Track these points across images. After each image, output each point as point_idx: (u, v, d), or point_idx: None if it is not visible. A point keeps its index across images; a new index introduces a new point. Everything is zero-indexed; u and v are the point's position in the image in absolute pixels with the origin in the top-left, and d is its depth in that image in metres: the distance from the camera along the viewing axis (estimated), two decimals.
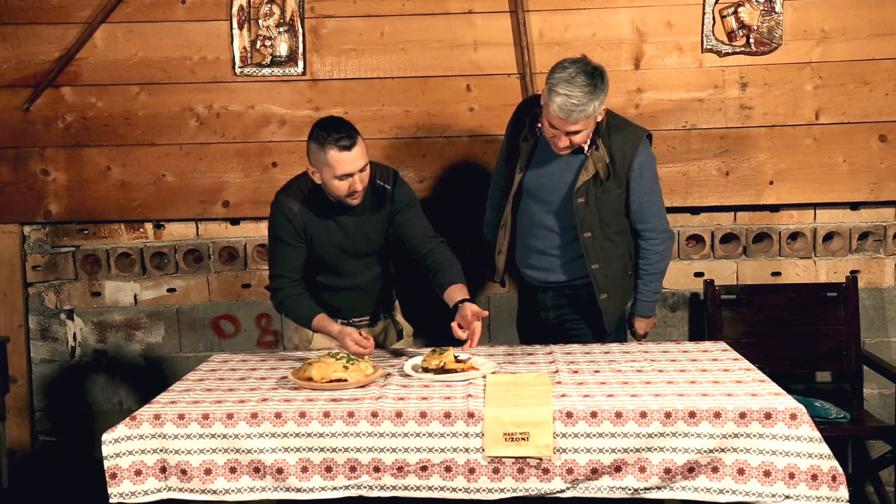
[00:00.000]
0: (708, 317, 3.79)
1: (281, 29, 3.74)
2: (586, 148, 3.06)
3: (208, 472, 2.45)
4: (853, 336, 3.76)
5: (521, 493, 2.42)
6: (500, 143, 3.49)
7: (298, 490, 2.44)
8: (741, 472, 2.37)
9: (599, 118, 3.00)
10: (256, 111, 3.81)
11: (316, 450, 2.43)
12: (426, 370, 2.78)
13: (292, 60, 3.76)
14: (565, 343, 3.20)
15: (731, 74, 3.73)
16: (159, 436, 2.45)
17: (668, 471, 2.38)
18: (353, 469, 2.43)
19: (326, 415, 2.43)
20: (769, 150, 3.77)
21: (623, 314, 3.35)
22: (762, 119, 3.75)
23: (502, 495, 2.42)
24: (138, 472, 2.44)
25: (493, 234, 3.48)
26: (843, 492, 2.33)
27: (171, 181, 3.85)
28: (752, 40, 3.70)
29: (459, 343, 2.87)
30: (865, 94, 3.72)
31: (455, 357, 2.81)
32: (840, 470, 2.34)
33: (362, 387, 2.65)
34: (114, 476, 2.43)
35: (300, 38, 3.75)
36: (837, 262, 3.89)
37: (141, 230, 3.94)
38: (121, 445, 2.44)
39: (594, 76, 2.90)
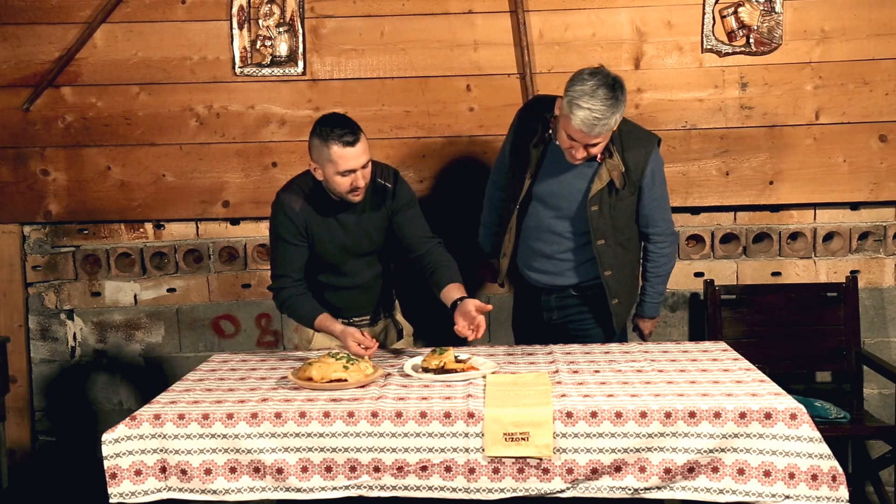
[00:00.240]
0: (708, 317, 3.79)
1: (281, 29, 3.74)
2: (599, 156, 3.05)
3: (208, 472, 2.45)
4: (853, 336, 3.76)
5: (521, 493, 2.42)
6: (499, 143, 3.49)
7: (298, 490, 2.44)
8: (741, 472, 2.37)
9: (615, 127, 3.00)
10: (256, 111, 3.81)
11: (316, 450, 2.43)
12: (426, 370, 2.78)
13: (292, 60, 3.76)
14: (568, 343, 3.20)
15: (731, 74, 3.73)
16: (159, 436, 2.45)
17: (668, 471, 2.38)
18: (353, 469, 2.43)
19: (326, 415, 2.43)
20: (769, 150, 3.77)
21: (629, 315, 3.36)
22: (762, 119, 3.75)
23: (502, 495, 2.42)
24: (138, 472, 2.44)
25: (489, 234, 3.48)
26: (843, 492, 2.33)
27: (171, 181, 3.86)
28: (752, 40, 3.70)
29: (459, 343, 2.87)
30: (865, 94, 3.72)
31: (455, 357, 2.81)
32: (840, 470, 2.34)
33: (362, 387, 2.65)
34: (114, 476, 2.43)
35: (300, 38, 3.75)
36: (837, 262, 3.89)
37: (141, 230, 3.94)
38: (121, 445, 2.44)
39: (615, 88, 2.88)
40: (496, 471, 2.40)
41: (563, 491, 2.41)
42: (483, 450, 2.39)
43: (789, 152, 3.77)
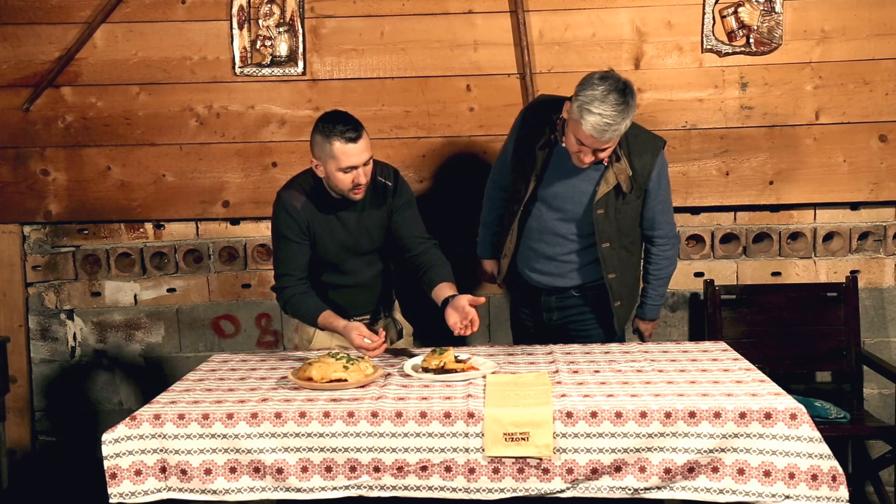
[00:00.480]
0: (708, 317, 3.79)
1: (281, 29, 3.74)
2: (605, 159, 3.05)
3: (208, 472, 2.45)
4: (853, 336, 3.76)
5: (521, 493, 2.42)
6: (500, 143, 3.49)
7: (298, 490, 2.44)
8: (741, 472, 2.37)
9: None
10: (256, 111, 3.81)
11: (316, 450, 2.43)
12: (426, 370, 2.78)
13: (292, 60, 3.76)
14: (567, 343, 3.20)
15: (731, 74, 3.73)
16: (159, 436, 2.45)
17: (668, 471, 2.38)
18: (353, 469, 2.43)
19: (326, 415, 2.43)
20: (769, 150, 3.77)
21: (630, 317, 3.36)
22: (762, 119, 3.75)
23: (502, 495, 2.42)
24: (138, 472, 2.44)
25: (489, 233, 3.47)
26: (843, 492, 2.33)
27: (171, 181, 3.86)
28: (752, 40, 3.70)
29: (459, 343, 2.87)
30: (865, 94, 3.72)
31: (455, 357, 2.81)
32: (840, 470, 2.34)
33: (362, 387, 2.65)
34: (114, 476, 2.43)
35: (300, 38, 3.75)
36: (837, 262, 3.89)
37: (141, 230, 3.94)
38: (121, 445, 2.44)
39: (626, 93, 2.86)
40: (496, 471, 2.40)
41: (563, 491, 2.41)
42: (483, 450, 2.39)
43: (789, 152, 3.77)
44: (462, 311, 2.84)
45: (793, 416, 2.35)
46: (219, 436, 2.44)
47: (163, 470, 2.46)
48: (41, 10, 3.74)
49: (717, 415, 2.37)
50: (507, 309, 3.70)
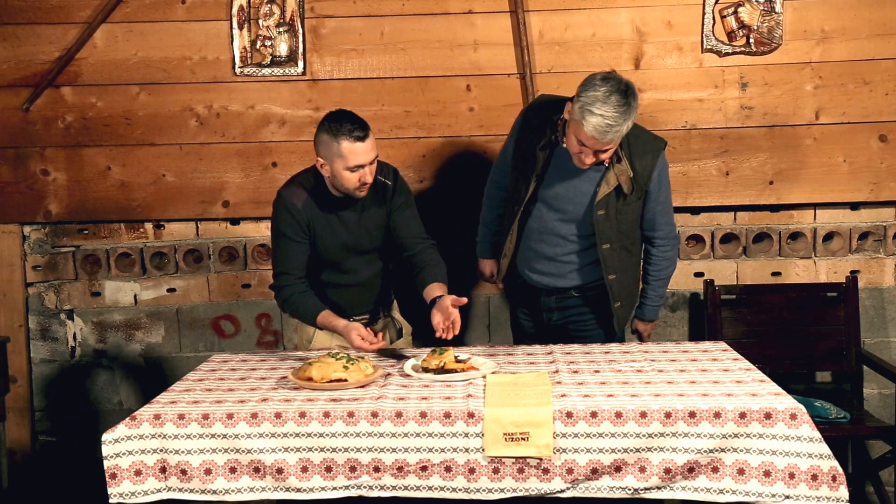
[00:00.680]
0: (708, 317, 3.79)
1: (281, 29, 3.74)
2: (606, 160, 3.04)
3: (208, 472, 2.45)
4: (853, 336, 3.76)
5: (521, 493, 2.42)
6: (500, 143, 3.49)
7: (298, 490, 2.44)
8: (741, 472, 2.37)
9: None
10: (256, 111, 3.81)
11: (316, 450, 2.43)
12: (426, 370, 2.78)
13: (292, 60, 3.76)
14: (567, 344, 3.20)
15: (731, 74, 3.73)
16: (159, 436, 2.45)
17: (668, 471, 2.38)
18: (353, 469, 2.43)
19: (326, 415, 2.43)
20: (769, 150, 3.77)
21: (630, 318, 3.36)
22: (762, 119, 3.75)
23: (502, 495, 2.42)
24: (138, 473, 2.44)
25: (489, 233, 3.47)
26: (843, 492, 2.33)
27: (171, 181, 3.86)
28: (752, 40, 3.70)
29: (459, 343, 2.87)
30: (865, 94, 3.72)
31: (455, 357, 2.81)
32: (840, 470, 2.34)
33: (362, 387, 2.65)
34: (114, 476, 2.43)
35: (300, 38, 3.75)
36: (837, 262, 3.89)
37: (141, 230, 3.94)
38: (121, 445, 2.43)
39: (627, 95, 2.85)
40: (496, 471, 2.40)
41: (563, 491, 2.41)
42: (483, 450, 2.39)
43: (789, 152, 3.77)
44: (445, 312, 2.85)
45: (793, 416, 2.35)
46: (219, 436, 2.44)
47: (163, 470, 2.46)
48: (41, 10, 3.74)
49: (717, 415, 2.37)
50: (507, 309, 3.70)
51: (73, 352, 4.00)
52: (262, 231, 3.89)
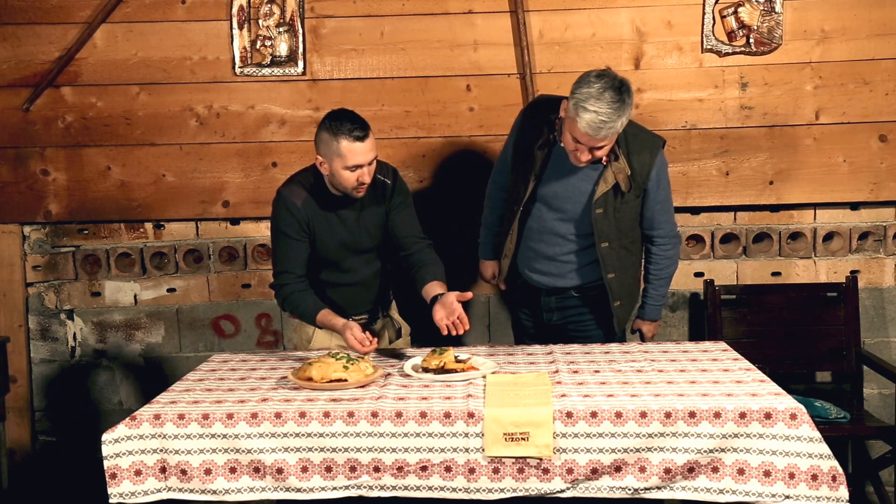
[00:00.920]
0: (708, 317, 3.79)
1: (281, 29, 3.74)
2: (604, 158, 3.04)
3: (208, 472, 2.45)
4: (853, 336, 3.75)
5: (521, 493, 2.42)
6: (500, 143, 3.49)
7: (298, 490, 2.44)
8: (741, 472, 2.37)
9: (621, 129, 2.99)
10: (256, 111, 3.81)
11: (316, 450, 2.43)
12: (426, 370, 2.78)
13: (292, 60, 3.76)
14: (568, 343, 3.20)
15: (731, 74, 3.73)
16: (159, 436, 2.45)
17: (668, 471, 2.38)
18: (353, 469, 2.43)
19: (326, 415, 2.43)
20: (769, 150, 3.77)
21: (630, 317, 3.36)
22: (762, 119, 3.75)
23: (502, 495, 2.42)
24: (138, 473, 2.44)
25: (490, 234, 3.47)
26: (843, 492, 2.33)
27: (171, 181, 3.86)
28: (752, 40, 3.70)
29: (459, 343, 2.87)
30: (865, 94, 3.72)
31: (455, 357, 2.81)
32: (840, 470, 2.34)
33: (362, 387, 2.65)
34: (114, 476, 2.43)
35: (300, 38, 3.75)
36: (837, 262, 3.89)
37: (141, 230, 3.94)
38: (121, 445, 2.43)
39: (622, 91, 2.85)
40: (496, 471, 2.40)
41: (563, 491, 2.41)
42: (483, 450, 2.39)
43: (789, 152, 3.77)
44: (449, 308, 2.84)
45: (793, 416, 2.35)
46: (219, 436, 2.44)
47: (163, 470, 2.46)
48: (41, 10, 3.74)
49: (717, 415, 2.37)
50: (507, 309, 3.70)
51: (73, 352, 4.00)
52: (262, 231, 3.89)
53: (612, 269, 3.16)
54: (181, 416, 2.45)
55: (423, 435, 2.40)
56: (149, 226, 3.94)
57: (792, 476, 2.34)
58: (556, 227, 3.18)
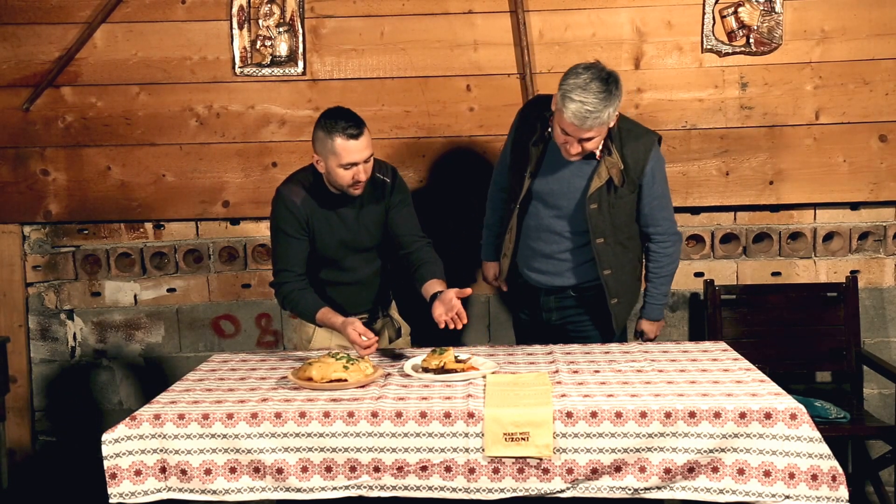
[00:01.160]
0: (708, 317, 3.79)
1: (281, 29, 3.74)
2: (598, 153, 3.04)
3: (208, 472, 2.45)
4: (853, 336, 3.75)
5: (521, 493, 2.42)
6: (500, 143, 3.49)
7: (298, 490, 2.44)
8: (741, 472, 2.37)
9: (612, 123, 2.98)
10: (256, 111, 3.81)
11: (316, 450, 2.43)
12: (426, 370, 2.78)
13: (292, 60, 3.76)
14: (567, 343, 3.20)
15: (731, 74, 3.73)
16: (159, 436, 2.45)
17: (668, 471, 2.38)
18: (353, 469, 2.43)
19: (326, 415, 2.43)
20: (769, 150, 3.77)
21: (629, 316, 3.35)
22: (762, 119, 3.75)
23: (502, 495, 2.42)
24: (138, 473, 2.44)
25: (492, 236, 3.47)
26: (843, 492, 2.33)
27: (171, 181, 3.86)
28: (752, 40, 3.70)
29: (459, 343, 2.87)
30: (865, 94, 3.72)
31: (455, 357, 2.81)
32: (840, 470, 2.34)
33: (362, 387, 2.65)
34: (114, 476, 2.43)
35: (300, 38, 3.75)
36: (837, 262, 3.89)
37: (141, 230, 3.94)
38: (121, 445, 2.44)
39: (609, 82, 2.87)
40: (496, 471, 2.40)
41: (563, 491, 2.41)
42: (483, 450, 2.39)
43: (789, 152, 3.77)
44: (448, 304, 2.83)
45: (793, 416, 2.35)
46: (219, 436, 2.44)
47: (163, 470, 2.46)
48: (41, 10, 3.74)
49: (717, 415, 2.37)
50: (507, 309, 3.70)
51: (73, 352, 4.00)
52: (262, 231, 3.89)
53: (607, 265, 3.16)
54: (181, 416, 2.45)
55: (423, 435, 2.40)
56: (149, 226, 3.94)
57: (792, 476, 2.34)
58: (553, 225, 3.18)
